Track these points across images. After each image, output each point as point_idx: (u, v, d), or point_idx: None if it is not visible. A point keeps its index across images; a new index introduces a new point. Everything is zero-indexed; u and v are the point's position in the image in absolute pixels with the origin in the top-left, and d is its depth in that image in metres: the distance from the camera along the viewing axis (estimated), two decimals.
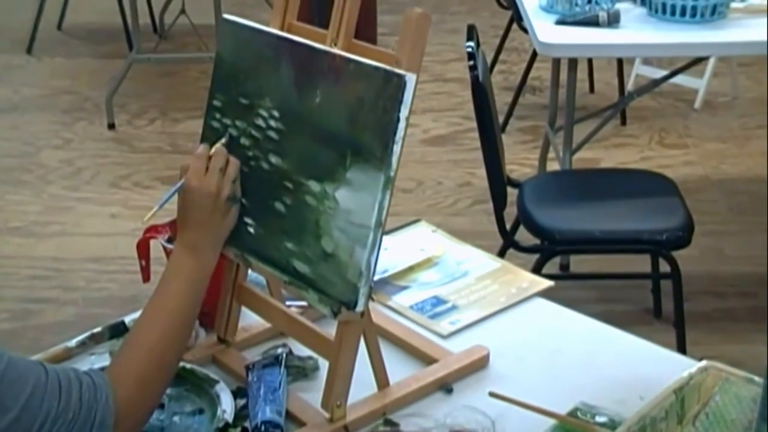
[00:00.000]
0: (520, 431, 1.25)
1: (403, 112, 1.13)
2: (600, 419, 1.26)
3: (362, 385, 1.29)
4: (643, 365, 1.40)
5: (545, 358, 1.42)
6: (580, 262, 2.98)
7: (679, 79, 4.01)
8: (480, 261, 1.65)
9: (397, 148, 1.14)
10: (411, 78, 1.13)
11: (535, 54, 3.81)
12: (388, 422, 1.28)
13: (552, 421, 1.24)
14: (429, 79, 4.62)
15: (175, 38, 4.79)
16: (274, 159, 1.27)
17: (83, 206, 3.51)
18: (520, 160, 3.78)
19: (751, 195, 3.50)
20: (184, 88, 4.45)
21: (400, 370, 1.36)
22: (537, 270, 2.35)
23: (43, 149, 3.94)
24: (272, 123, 1.27)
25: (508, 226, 2.54)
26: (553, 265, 2.91)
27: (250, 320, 1.44)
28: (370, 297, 1.21)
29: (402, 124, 1.14)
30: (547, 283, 1.58)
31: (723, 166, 3.74)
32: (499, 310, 1.52)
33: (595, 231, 2.36)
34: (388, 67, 1.15)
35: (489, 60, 4.36)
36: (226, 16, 1.35)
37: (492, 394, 1.26)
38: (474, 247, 1.69)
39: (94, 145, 3.98)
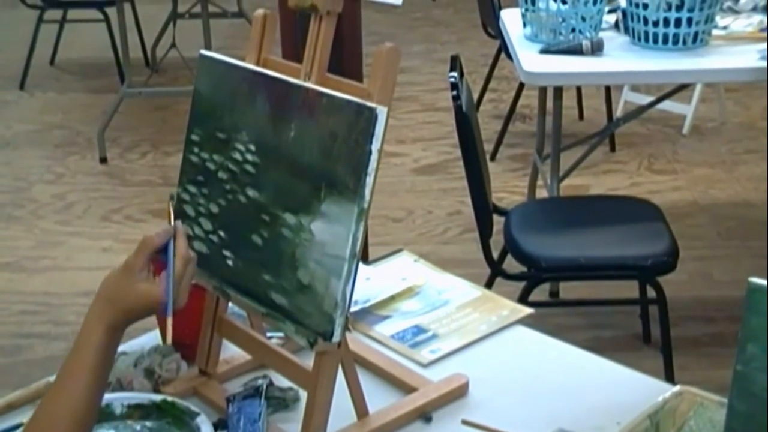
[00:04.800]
0: None
1: (375, 145, 1.15)
2: None
3: (342, 414, 1.30)
4: (623, 391, 1.41)
5: (525, 385, 1.43)
6: (569, 289, 3.00)
7: (668, 105, 4.05)
8: (461, 290, 1.66)
9: (369, 180, 1.16)
10: (382, 111, 1.15)
11: (523, 82, 3.85)
12: None
13: None
14: (419, 109, 4.66)
15: (167, 72, 4.83)
16: (251, 192, 1.28)
17: (75, 240, 3.52)
18: (510, 188, 3.80)
19: (739, 219, 3.52)
20: (175, 121, 4.48)
21: (379, 400, 1.36)
22: (524, 297, 2.36)
23: (35, 184, 3.96)
24: (249, 157, 1.29)
25: (496, 254, 2.56)
26: (542, 293, 2.92)
27: (232, 352, 1.45)
28: (347, 327, 1.22)
29: (374, 156, 1.16)
30: (527, 311, 1.59)
31: (711, 191, 3.76)
32: (479, 338, 1.53)
33: (581, 258, 2.37)
34: (359, 101, 1.17)
35: (478, 89, 4.42)
36: (204, 51, 1.37)
37: (465, 422, 1.27)
38: (461, 275, 1.70)
39: (86, 179, 4.00)
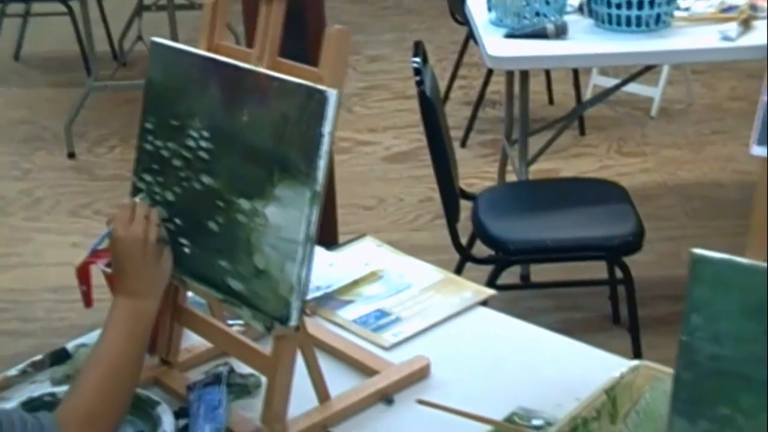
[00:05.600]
0: None
1: (326, 128, 1.15)
2: (536, 422, 1.27)
3: (304, 398, 1.30)
4: (585, 370, 1.41)
5: (487, 365, 1.44)
6: (540, 272, 3.01)
7: (636, 89, 4.07)
8: (424, 273, 1.66)
9: (321, 163, 1.16)
10: (333, 93, 1.15)
11: (491, 68, 3.85)
12: None
13: (488, 427, 1.25)
14: (390, 97, 4.65)
15: (135, 65, 4.80)
16: (205, 179, 1.28)
17: (43, 236, 3.49)
18: (481, 174, 3.80)
19: (706, 199, 3.54)
20: None
21: (341, 383, 1.37)
22: (492, 281, 2.37)
23: (1, 180, 3.92)
24: (202, 143, 1.28)
25: (465, 240, 2.57)
26: (514, 277, 2.93)
27: (194, 341, 1.45)
28: (304, 311, 1.22)
29: (326, 139, 1.15)
30: (489, 292, 1.60)
31: (679, 172, 3.78)
32: (442, 320, 1.53)
33: (548, 240, 2.38)
34: (310, 84, 1.16)
35: (447, 75, 4.42)
36: (155, 38, 1.36)
37: (420, 402, 1.27)
38: (432, 261, 1.70)
39: (54, 174, 3.97)
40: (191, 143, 1.29)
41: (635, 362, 1.31)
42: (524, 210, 2.55)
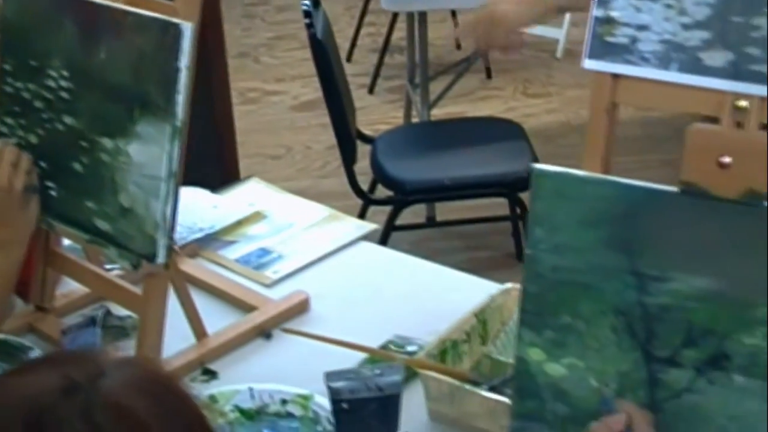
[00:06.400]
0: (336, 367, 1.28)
1: (183, 62, 1.14)
2: (411, 348, 1.29)
3: (183, 337, 1.31)
4: (462, 298, 1.44)
5: (366, 298, 1.45)
6: (448, 213, 3.03)
7: (541, 31, 4.10)
8: (309, 211, 1.67)
9: (180, 98, 1.15)
10: (188, 27, 1.13)
11: (396, 13, 3.84)
12: (207, 371, 1.30)
13: (364, 355, 1.27)
14: (298, 46, 4.60)
15: None
16: (67, 119, 1.26)
17: None
18: (388, 119, 3.81)
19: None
20: None
21: (222, 321, 1.37)
22: (390, 221, 2.39)
23: None
24: (62, 83, 1.26)
25: (368, 183, 2.58)
26: (421, 218, 2.96)
27: (73, 286, 1.43)
28: (171, 249, 1.21)
29: (183, 74, 1.14)
30: (371, 227, 1.61)
31: (583, 112, 3.84)
32: (323, 255, 1.54)
33: (445, 179, 2.41)
34: (165, 17, 1.15)
35: (355, 22, 4.39)
36: None
37: (285, 330, 1.29)
38: (339, 207, 1.69)
39: None
40: (51, 83, 1.26)
41: (506, 285, 1.34)
42: (422, 151, 2.57)
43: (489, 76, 4.14)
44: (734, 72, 0.85)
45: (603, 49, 1.10)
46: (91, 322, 1.31)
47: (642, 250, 0.91)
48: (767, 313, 0.86)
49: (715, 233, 0.88)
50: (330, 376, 1.02)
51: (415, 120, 3.40)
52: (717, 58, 0.86)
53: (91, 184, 1.24)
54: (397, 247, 1.72)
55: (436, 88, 3.22)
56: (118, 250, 1.21)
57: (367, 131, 2.86)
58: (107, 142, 1.22)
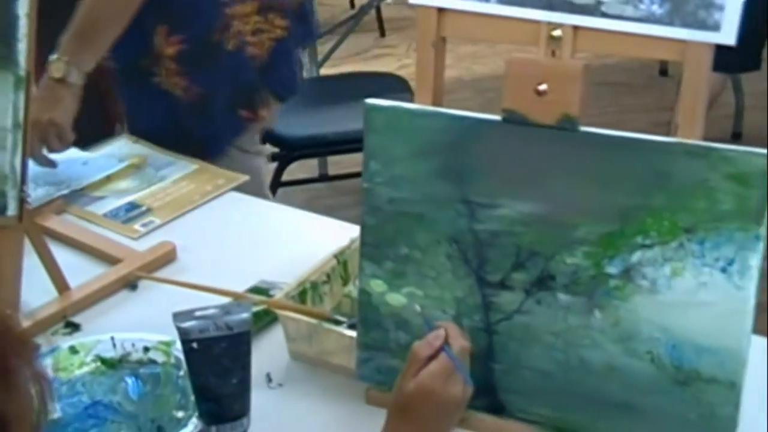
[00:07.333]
0: None
1: (22, 9, 1.12)
2: (274, 292, 1.31)
3: (47, 292, 1.30)
4: (332, 243, 1.46)
5: (234, 247, 1.46)
6: (340, 169, 3.04)
7: None
8: (179, 165, 1.66)
9: (22, 46, 1.13)
10: None
11: None
12: (70, 324, 1.29)
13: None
14: None
15: None
16: None
17: None
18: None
19: (498, 92, 3.65)
20: None
21: (87, 275, 1.37)
22: (276, 178, 2.40)
23: None
24: None
25: None
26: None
27: None
28: (23, 201, 1.20)
29: (23, 22, 1.13)
30: (243, 178, 1.62)
31: (475, 67, 3.90)
32: (193, 208, 1.55)
33: (329, 134, 2.42)
34: None
35: None
36: None
37: (148, 277, 1.30)
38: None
39: None
40: None
41: None
42: (307, 107, 2.57)
43: (382, 34, 4.17)
44: (549, 3, 0.89)
45: None
46: None
47: (471, 178, 0.94)
48: (586, 233, 0.91)
49: (537, 159, 0.92)
50: (178, 316, 1.03)
51: None
52: None
53: None
54: (292, 206, 1.72)
55: (328, 47, 3.23)
56: None
57: None
58: None
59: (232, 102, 1.69)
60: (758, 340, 0.97)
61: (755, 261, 0.86)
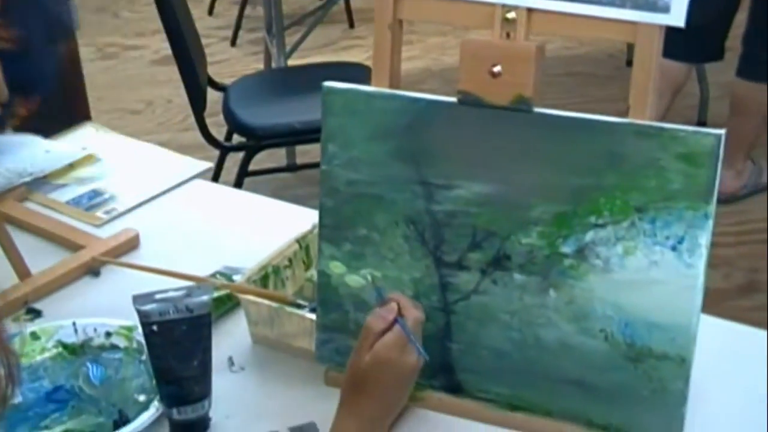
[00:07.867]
0: None
1: None
2: (236, 277, 1.32)
3: (9, 278, 1.30)
4: (296, 229, 1.47)
5: (198, 233, 1.46)
6: (308, 159, 3.04)
7: None
8: (145, 153, 1.66)
9: None
10: None
11: None
12: (31, 310, 1.29)
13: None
14: None
15: None
16: None
17: None
18: (251, 71, 3.78)
19: None
20: None
21: (49, 261, 1.36)
22: (243, 167, 2.40)
23: None
24: None
25: (225, 132, 2.58)
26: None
27: None
28: None
29: None
30: (205, 165, 1.62)
31: (443, 58, 3.91)
32: (156, 194, 1.55)
33: (295, 123, 2.42)
34: None
35: None
36: None
37: (111, 262, 1.30)
38: (201, 158, 1.67)
39: None
40: None
41: None
42: (274, 96, 2.58)
43: (351, 25, 4.17)
44: None
45: None
46: None
47: (428, 160, 0.95)
48: (541, 213, 0.92)
49: (492, 140, 0.93)
50: (138, 299, 1.03)
51: None
52: None
53: None
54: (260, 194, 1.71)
55: (296, 38, 3.23)
56: None
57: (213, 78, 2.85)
58: None
59: None
60: (708, 319, 0.99)
61: (704, 239, 0.87)
